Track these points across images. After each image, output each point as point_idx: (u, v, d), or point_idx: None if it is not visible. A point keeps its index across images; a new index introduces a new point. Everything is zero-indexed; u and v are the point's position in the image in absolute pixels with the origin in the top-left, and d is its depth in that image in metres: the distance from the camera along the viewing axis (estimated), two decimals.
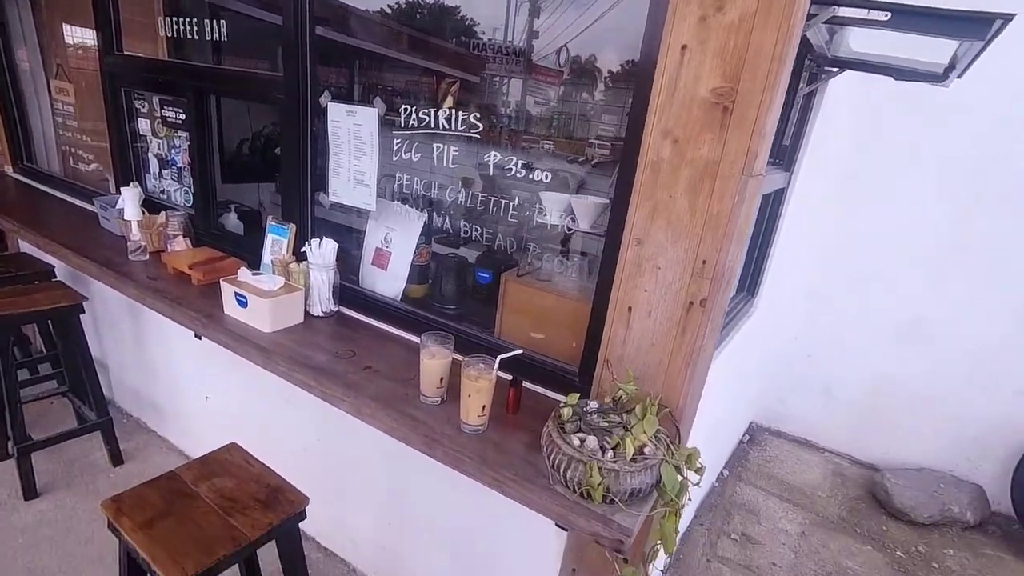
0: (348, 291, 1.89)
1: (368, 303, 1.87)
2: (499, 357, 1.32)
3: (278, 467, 1.58)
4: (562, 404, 1.25)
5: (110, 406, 2.76)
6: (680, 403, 1.26)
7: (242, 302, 1.72)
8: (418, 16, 2.20)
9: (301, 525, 1.49)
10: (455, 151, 1.67)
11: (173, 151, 2.45)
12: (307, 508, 1.47)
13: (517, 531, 1.66)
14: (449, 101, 1.74)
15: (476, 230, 1.82)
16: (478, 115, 1.62)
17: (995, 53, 1.67)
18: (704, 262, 1.16)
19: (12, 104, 3.17)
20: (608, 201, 1.43)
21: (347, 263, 1.95)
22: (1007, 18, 1.35)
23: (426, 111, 1.68)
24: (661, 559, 1.50)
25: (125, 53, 2.37)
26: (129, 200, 2.14)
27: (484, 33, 2.04)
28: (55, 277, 2.73)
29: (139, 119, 2.50)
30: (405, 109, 1.70)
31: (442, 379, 1.40)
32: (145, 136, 2.51)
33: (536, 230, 1.76)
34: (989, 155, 2.82)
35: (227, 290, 1.75)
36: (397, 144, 1.74)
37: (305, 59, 1.74)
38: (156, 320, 2.38)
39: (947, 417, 3.15)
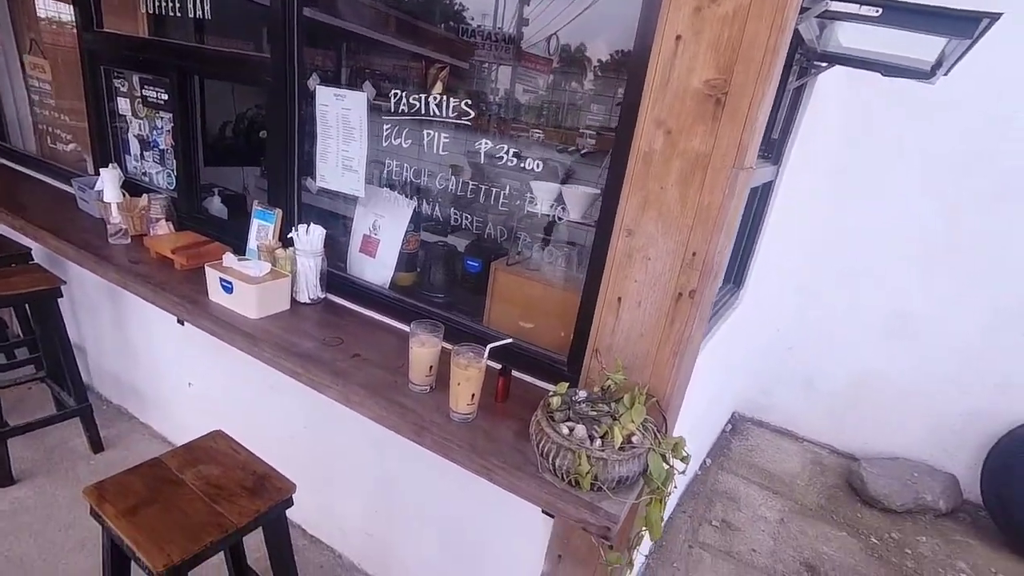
0: (336, 278, 1.87)
1: (356, 290, 1.86)
2: (489, 346, 1.32)
3: (264, 454, 1.57)
4: (551, 393, 1.26)
5: (89, 392, 2.72)
6: (667, 393, 1.28)
7: (227, 288, 1.69)
8: None
9: (288, 512, 1.49)
10: (445, 138, 1.65)
11: (155, 132, 2.39)
12: (294, 496, 1.47)
13: (505, 519, 1.67)
14: (439, 87, 1.71)
15: (466, 218, 1.80)
16: (469, 102, 1.60)
17: (982, 51, 1.69)
18: (694, 254, 1.17)
19: None
20: (599, 191, 1.43)
21: (334, 250, 1.93)
22: (994, 17, 1.37)
23: (416, 96, 1.65)
24: (645, 545, 1.53)
25: (105, 30, 2.30)
26: (108, 182, 2.09)
27: (473, 19, 2.02)
28: (32, 260, 2.67)
29: (119, 98, 2.43)
30: (395, 94, 1.68)
31: (431, 367, 1.40)
32: (125, 116, 2.45)
33: (526, 219, 1.76)
34: (976, 152, 2.85)
35: (212, 275, 1.72)
36: (387, 130, 1.72)
37: (292, 40, 1.71)
38: (136, 304, 2.35)
39: (928, 411, 3.20)
